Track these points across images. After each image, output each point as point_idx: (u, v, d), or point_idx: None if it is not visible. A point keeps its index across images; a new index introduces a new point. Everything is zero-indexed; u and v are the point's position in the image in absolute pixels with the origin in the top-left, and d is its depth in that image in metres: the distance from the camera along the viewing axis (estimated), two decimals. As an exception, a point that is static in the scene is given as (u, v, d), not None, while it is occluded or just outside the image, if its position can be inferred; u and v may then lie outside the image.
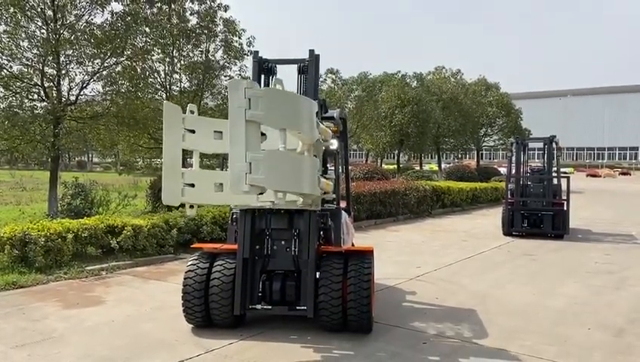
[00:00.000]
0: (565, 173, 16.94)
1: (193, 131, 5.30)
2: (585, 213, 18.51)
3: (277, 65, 6.00)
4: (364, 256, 5.73)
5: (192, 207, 5.39)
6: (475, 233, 13.96)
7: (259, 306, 5.63)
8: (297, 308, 5.57)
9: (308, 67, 5.78)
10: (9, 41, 11.54)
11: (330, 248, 5.88)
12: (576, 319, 6.40)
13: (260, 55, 5.95)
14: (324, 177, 5.57)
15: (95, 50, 12.20)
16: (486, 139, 41.62)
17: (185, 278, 5.70)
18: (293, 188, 4.74)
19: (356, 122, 30.04)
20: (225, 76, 15.78)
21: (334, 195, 6.19)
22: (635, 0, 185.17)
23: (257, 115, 4.19)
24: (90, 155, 59.76)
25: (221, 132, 5.30)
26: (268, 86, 5.87)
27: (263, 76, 5.91)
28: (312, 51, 5.80)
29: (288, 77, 6.23)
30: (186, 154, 5.82)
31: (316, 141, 5.20)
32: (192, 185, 5.19)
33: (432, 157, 51.49)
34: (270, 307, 5.63)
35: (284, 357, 5.05)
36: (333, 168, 6.64)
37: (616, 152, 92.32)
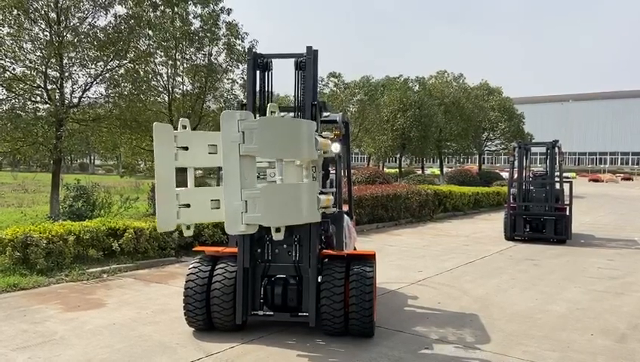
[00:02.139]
0: (567, 177, 16.89)
1: (186, 148, 5.03)
2: (587, 218, 18.47)
3: (273, 61, 5.73)
4: (367, 260, 5.71)
5: (188, 227, 5.15)
6: (477, 237, 13.92)
7: (261, 312, 5.62)
8: (299, 314, 5.56)
9: (306, 64, 5.55)
10: (12, 44, 11.58)
11: (332, 252, 5.86)
12: (579, 324, 6.37)
13: (254, 50, 5.80)
14: (323, 192, 5.45)
15: (98, 53, 12.23)
16: (488, 143, 41.55)
17: (186, 281, 5.69)
18: (292, 220, 4.58)
19: (358, 126, 30.03)
20: (227, 79, 15.83)
21: (335, 209, 6.01)
22: (638, 4, 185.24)
23: (252, 148, 3.95)
24: (92, 158, 59.83)
25: (215, 145, 5.03)
26: (264, 83, 5.70)
27: (258, 72, 5.68)
28: (309, 47, 5.55)
29: (286, 73, 6.11)
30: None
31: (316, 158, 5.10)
32: (188, 206, 4.98)
33: (433, 161, 51.36)
34: (272, 313, 5.62)
35: (285, 361, 5.03)
36: (334, 172, 6.61)
37: (618, 157, 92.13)
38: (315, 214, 4.72)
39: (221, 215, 4.79)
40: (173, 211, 4.93)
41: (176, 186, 5.05)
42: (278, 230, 4.28)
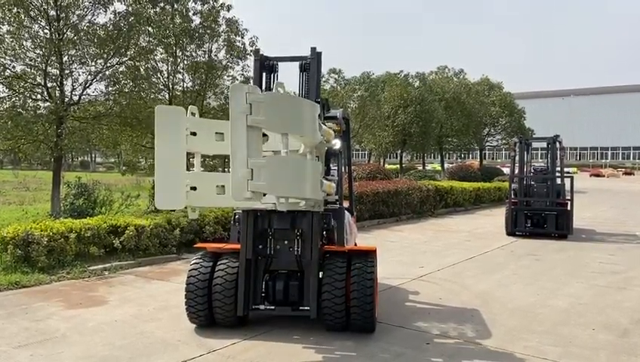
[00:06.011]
0: (569, 172, 16.87)
1: (195, 133, 5.21)
2: (588, 213, 18.46)
3: (279, 64, 5.92)
4: (368, 256, 5.71)
5: (194, 210, 5.29)
6: (478, 233, 13.92)
7: (262, 306, 5.62)
8: (301, 308, 5.56)
9: (310, 65, 5.71)
10: (12, 42, 11.55)
11: (333, 248, 5.87)
12: (581, 319, 6.37)
13: (261, 53, 5.92)
14: (327, 179, 5.55)
15: (98, 50, 12.20)
16: (489, 138, 41.47)
17: (188, 278, 5.70)
18: (296, 193, 4.71)
19: (359, 122, 29.97)
20: (228, 76, 15.78)
21: (337, 196, 6.15)
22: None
23: (258, 120, 4.17)
24: (93, 155, 59.86)
25: (222, 133, 5.23)
26: (270, 85, 5.82)
27: (264, 74, 5.85)
28: (314, 49, 5.72)
29: (290, 75, 6.19)
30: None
31: (319, 143, 5.18)
32: (195, 188, 5.11)
33: (434, 157, 51.37)
34: (273, 308, 5.62)
35: (287, 357, 5.03)
36: (335, 168, 6.62)
37: (619, 152, 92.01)
38: (318, 192, 4.87)
39: (226, 200, 4.98)
40: (182, 191, 5.06)
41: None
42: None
